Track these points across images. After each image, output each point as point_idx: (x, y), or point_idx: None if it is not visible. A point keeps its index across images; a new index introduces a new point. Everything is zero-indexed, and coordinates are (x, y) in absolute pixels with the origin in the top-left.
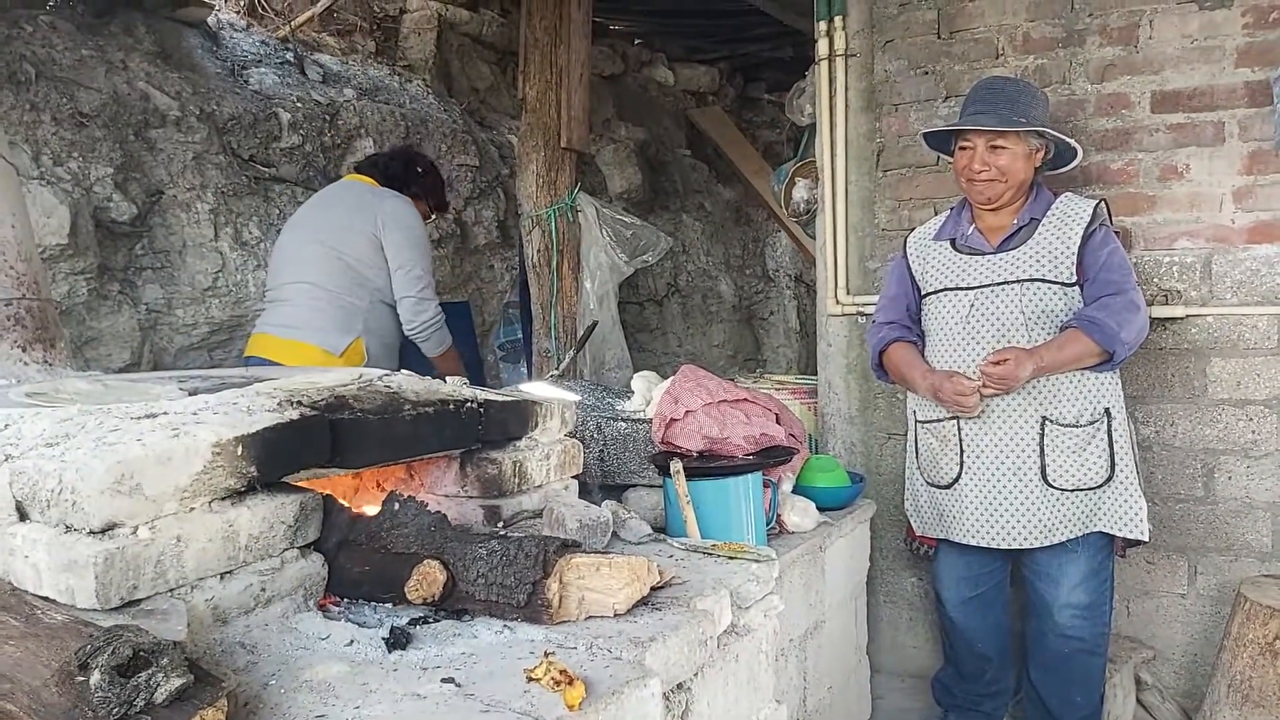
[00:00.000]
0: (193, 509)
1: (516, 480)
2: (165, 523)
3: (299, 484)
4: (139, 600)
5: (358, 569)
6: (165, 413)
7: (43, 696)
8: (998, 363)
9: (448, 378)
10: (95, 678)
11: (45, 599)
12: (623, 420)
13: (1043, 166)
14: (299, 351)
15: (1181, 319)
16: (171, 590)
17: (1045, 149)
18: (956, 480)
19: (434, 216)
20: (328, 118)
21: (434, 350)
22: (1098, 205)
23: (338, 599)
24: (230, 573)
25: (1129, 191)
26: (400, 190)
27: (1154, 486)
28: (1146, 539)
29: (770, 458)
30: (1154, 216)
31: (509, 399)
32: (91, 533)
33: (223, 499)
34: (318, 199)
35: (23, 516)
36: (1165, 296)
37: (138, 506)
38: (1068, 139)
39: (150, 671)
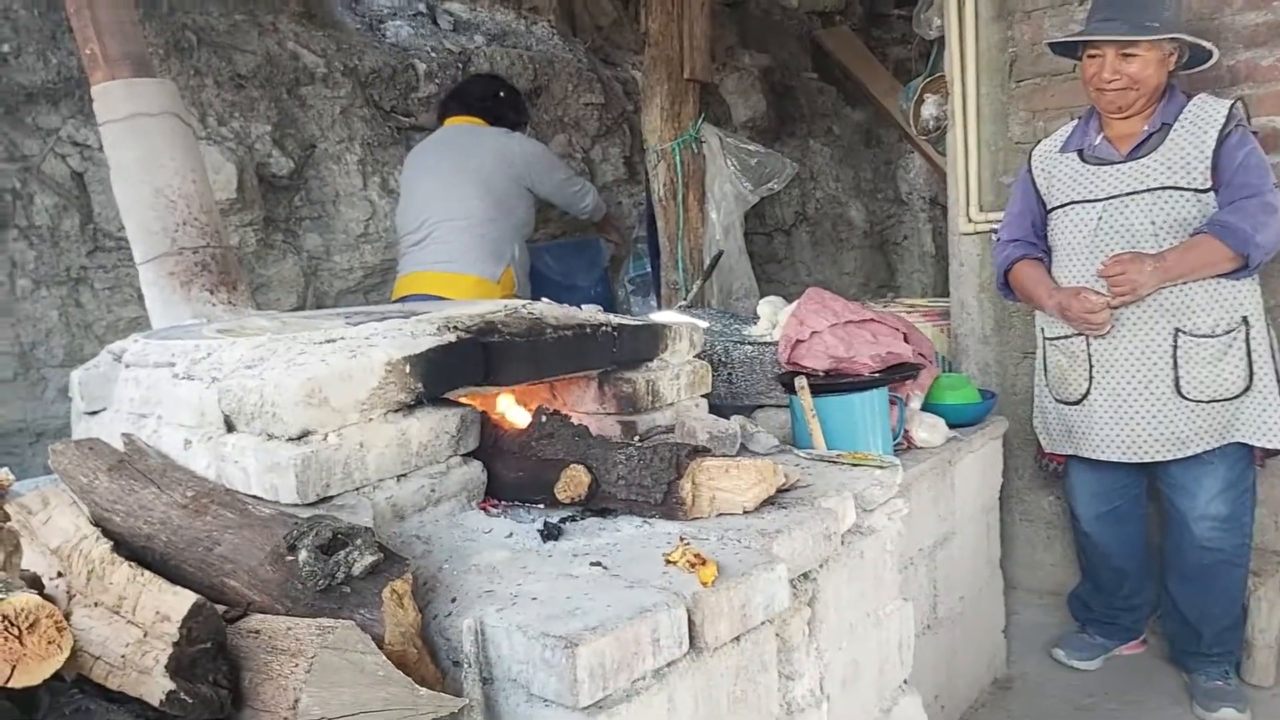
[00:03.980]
0: (371, 419)
1: (650, 398)
2: (349, 431)
3: (458, 400)
4: (331, 497)
5: (512, 474)
6: (342, 338)
7: (259, 574)
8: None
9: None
10: (303, 556)
11: (254, 497)
12: (749, 344)
13: (1177, 68)
14: (457, 283)
15: None
16: (357, 489)
17: (1179, 52)
18: (1085, 396)
19: (528, 128)
20: (460, 65)
21: (599, 215)
22: (1233, 105)
23: (495, 501)
24: (405, 475)
25: None
26: (506, 124)
27: None
28: None
29: (896, 374)
30: None
31: (640, 323)
32: (290, 439)
33: (395, 411)
34: (439, 145)
35: (230, 428)
36: None
37: (326, 416)
38: (1202, 42)
39: (348, 550)
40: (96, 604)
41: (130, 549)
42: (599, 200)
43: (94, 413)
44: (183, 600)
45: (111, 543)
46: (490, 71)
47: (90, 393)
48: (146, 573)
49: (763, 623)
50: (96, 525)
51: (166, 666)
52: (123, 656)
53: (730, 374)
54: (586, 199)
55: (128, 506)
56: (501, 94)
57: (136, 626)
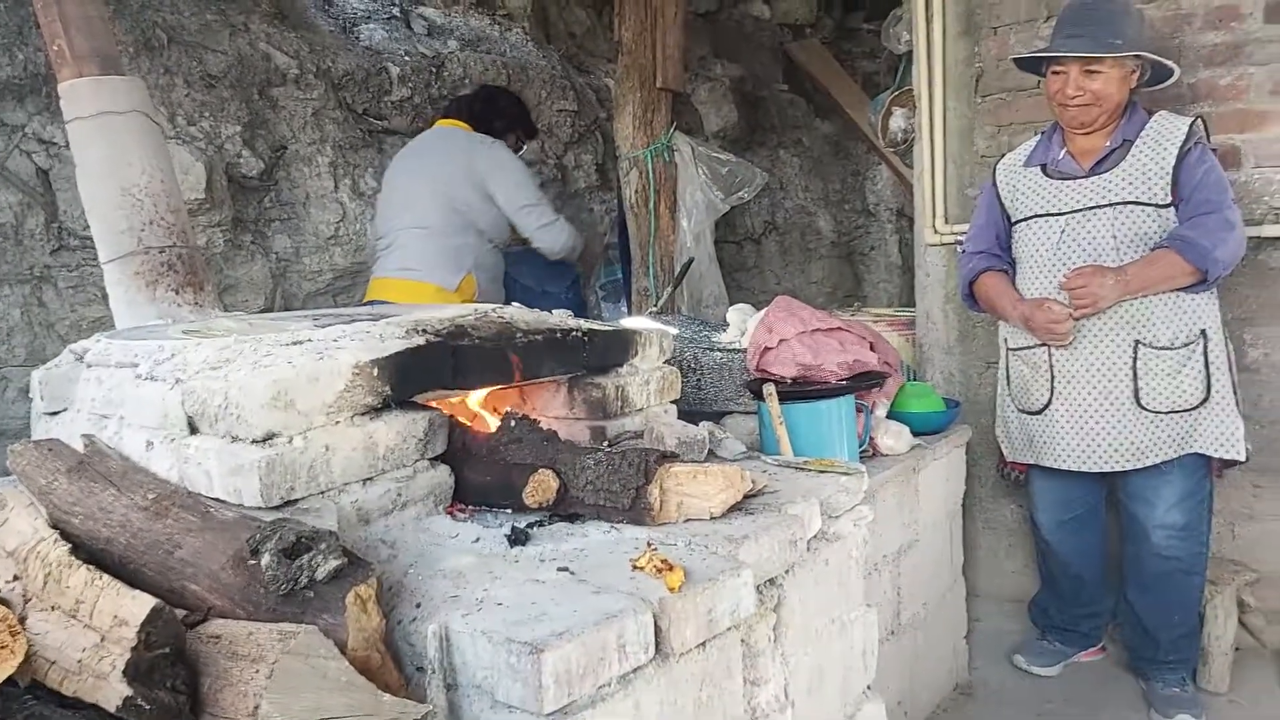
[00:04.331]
0: (338, 422)
1: (619, 403)
2: (315, 434)
3: (426, 403)
4: (295, 500)
5: (480, 479)
6: (310, 340)
7: (221, 578)
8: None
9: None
10: (266, 560)
11: (216, 500)
12: (719, 350)
13: (1139, 86)
14: (416, 290)
15: None
16: (323, 493)
17: (1141, 69)
18: (1047, 406)
19: (524, 145)
20: (434, 70)
21: (574, 257)
22: (1193, 123)
23: (463, 505)
24: (371, 479)
25: (1238, 108)
26: (490, 130)
27: (1262, 410)
28: (1244, 459)
29: (863, 382)
30: (1265, 134)
31: (611, 328)
32: (254, 441)
33: (362, 414)
34: (419, 147)
35: (193, 430)
36: (1276, 215)
37: (292, 419)
38: (1164, 60)
39: (311, 554)
40: (53, 607)
41: (89, 552)
42: (575, 242)
43: (55, 413)
44: (141, 604)
45: (70, 545)
46: (497, 85)
47: (51, 393)
48: (105, 576)
49: (729, 628)
50: (55, 528)
51: (124, 671)
52: (79, 661)
53: (699, 380)
54: (560, 238)
55: (87, 509)
56: (501, 103)
57: (94, 631)
